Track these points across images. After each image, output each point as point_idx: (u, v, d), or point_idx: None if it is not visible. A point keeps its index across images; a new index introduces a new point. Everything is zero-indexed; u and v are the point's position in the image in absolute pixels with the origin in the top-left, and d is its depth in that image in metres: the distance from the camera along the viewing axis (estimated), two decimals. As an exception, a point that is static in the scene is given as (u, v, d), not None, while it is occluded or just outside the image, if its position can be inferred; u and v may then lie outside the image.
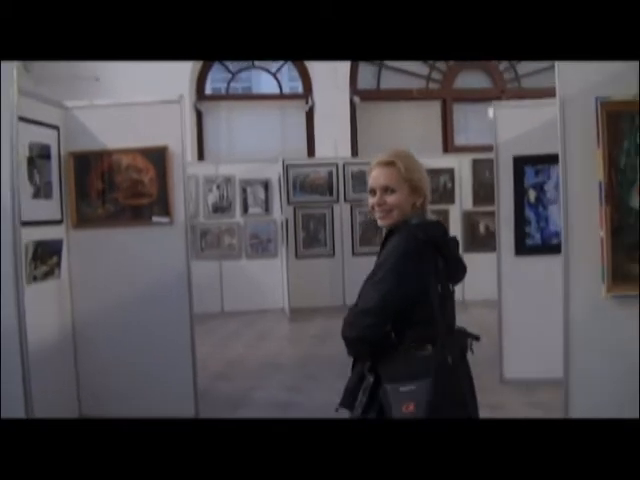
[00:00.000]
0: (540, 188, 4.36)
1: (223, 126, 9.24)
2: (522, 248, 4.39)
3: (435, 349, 1.63)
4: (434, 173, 8.12)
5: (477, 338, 1.79)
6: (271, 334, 6.67)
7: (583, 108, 2.75)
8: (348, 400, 1.72)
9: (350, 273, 7.99)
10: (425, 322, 1.65)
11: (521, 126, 4.34)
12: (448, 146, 9.24)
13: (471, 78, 9.41)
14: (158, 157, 3.91)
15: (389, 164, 1.74)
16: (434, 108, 9.43)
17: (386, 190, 1.73)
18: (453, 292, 1.78)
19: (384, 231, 1.79)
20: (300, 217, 8.11)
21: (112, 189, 3.96)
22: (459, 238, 1.92)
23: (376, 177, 1.76)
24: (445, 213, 8.06)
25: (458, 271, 1.82)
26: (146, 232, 3.93)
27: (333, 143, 8.60)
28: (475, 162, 8.14)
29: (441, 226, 1.79)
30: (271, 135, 9.18)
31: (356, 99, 9.11)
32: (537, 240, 4.39)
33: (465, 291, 7.51)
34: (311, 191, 8.12)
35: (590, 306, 2.79)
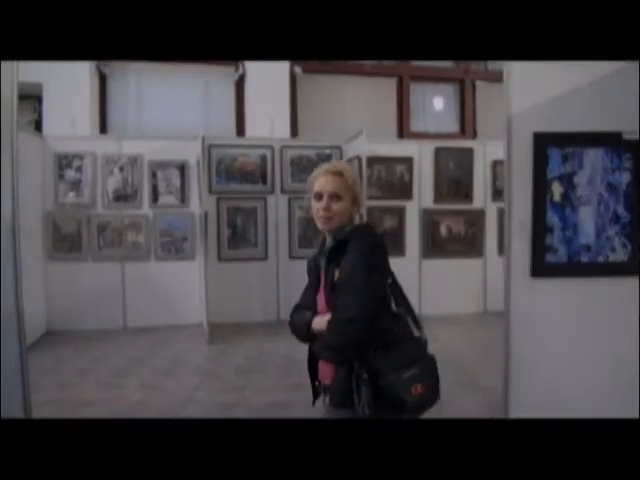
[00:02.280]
0: (569, 181, 3.04)
1: (131, 94, 7.42)
2: (541, 267, 3.05)
3: (413, 337, 1.93)
4: (389, 162, 6.81)
5: (418, 324, 1.97)
6: (181, 365, 5.05)
7: None
8: (341, 399, 1.86)
9: (286, 280, 6.69)
10: (392, 316, 1.89)
11: (545, 92, 3.02)
12: (404, 131, 7.90)
13: (431, 54, 8.10)
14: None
15: (338, 174, 1.94)
16: (388, 86, 8.04)
17: (332, 197, 1.91)
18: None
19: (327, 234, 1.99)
20: (225, 210, 6.65)
21: None
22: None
23: (325, 183, 1.93)
24: (401, 210, 6.80)
25: None
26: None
27: (268, 121, 7.07)
28: (438, 151, 6.93)
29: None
30: (191, 108, 7.43)
31: (297, 70, 7.58)
32: (562, 256, 3.06)
33: (422, 304, 6.35)
34: (239, 178, 6.68)
35: None
